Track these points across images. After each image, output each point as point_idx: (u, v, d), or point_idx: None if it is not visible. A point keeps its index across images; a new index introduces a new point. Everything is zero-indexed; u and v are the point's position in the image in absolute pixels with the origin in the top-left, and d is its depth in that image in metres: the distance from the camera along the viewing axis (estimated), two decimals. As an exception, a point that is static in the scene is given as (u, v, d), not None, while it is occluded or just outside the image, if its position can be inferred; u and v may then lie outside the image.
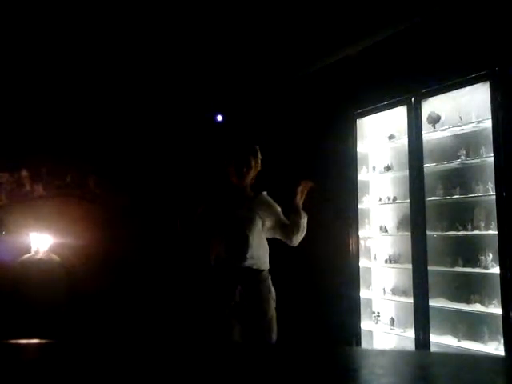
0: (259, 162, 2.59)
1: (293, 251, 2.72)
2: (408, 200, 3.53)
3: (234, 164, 2.54)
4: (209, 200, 2.62)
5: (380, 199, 3.92)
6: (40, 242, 4.16)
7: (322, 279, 4.14)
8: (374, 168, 4.02)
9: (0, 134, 4.32)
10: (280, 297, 2.49)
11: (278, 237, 2.60)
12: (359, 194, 3.93)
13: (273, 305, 2.45)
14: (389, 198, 3.84)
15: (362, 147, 4.01)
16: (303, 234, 2.56)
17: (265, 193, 2.63)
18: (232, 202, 2.56)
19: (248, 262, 2.42)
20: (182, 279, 4.41)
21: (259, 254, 2.47)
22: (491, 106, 3.03)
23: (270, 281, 2.49)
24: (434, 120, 3.47)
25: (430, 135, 3.51)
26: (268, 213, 2.55)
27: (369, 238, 4.02)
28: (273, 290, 2.48)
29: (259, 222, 2.50)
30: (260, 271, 2.46)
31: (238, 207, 2.53)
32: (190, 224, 2.56)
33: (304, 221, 2.54)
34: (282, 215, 2.60)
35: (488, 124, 3.10)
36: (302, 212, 2.54)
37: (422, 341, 3.31)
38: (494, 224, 3.07)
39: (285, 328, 2.55)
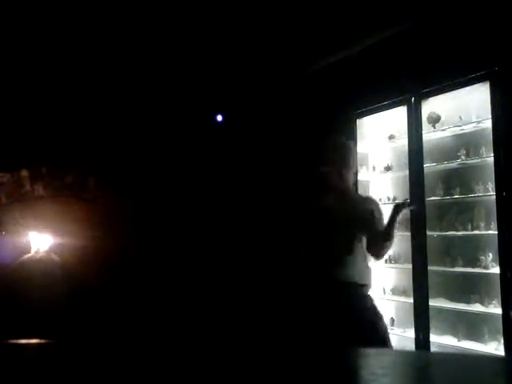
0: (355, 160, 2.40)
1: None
2: (408, 200, 3.52)
3: (334, 165, 2.32)
4: (311, 207, 2.40)
5: (380, 199, 3.90)
6: (40, 242, 4.15)
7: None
8: (373, 168, 4.01)
9: (0, 134, 4.32)
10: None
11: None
12: (359, 194, 3.93)
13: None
14: (389, 198, 3.84)
15: (361, 147, 4.00)
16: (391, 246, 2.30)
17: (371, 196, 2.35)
18: (335, 207, 2.30)
19: (349, 277, 2.19)
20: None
21: (362, 267, 2.23)
22: (491, 105, 3.02)
23: (370, 298, 2.23)
24: (434, 120, 3.47)
25: (430, 135, 3.51)
26: (373, 220, 2.25)
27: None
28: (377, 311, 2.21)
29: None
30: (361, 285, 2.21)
31: (343, 213, 2.26)
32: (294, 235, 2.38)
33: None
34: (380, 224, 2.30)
35: (488, 124, 3.10)
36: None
37: (422, 341, 3.30)
38: (494, 224, 3.07)
39: (284, 328, 2.54)
